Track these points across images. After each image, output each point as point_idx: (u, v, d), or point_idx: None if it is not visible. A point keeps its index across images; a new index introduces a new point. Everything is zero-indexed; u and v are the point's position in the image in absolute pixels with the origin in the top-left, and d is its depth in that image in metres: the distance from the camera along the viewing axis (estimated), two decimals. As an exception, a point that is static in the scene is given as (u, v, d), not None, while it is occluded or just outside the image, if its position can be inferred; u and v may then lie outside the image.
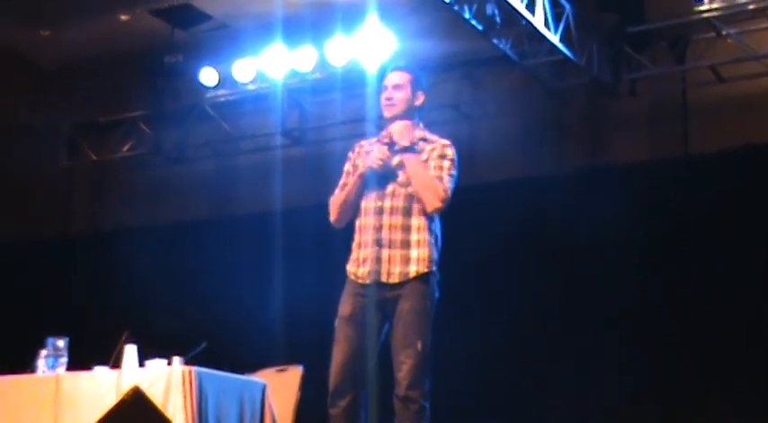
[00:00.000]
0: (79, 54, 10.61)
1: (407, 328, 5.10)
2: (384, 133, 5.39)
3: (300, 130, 10.67)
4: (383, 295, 5.17)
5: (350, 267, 5.30)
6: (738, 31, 8.76)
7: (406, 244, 5.19)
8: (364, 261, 5.22)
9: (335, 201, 5.37)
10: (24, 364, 5.53)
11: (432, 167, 5.25)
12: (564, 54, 8.73)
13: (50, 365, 5.43)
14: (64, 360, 5.47)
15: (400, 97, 5.34)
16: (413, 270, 5.16)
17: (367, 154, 5.35)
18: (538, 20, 8.28)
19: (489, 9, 8.31)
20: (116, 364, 5.26)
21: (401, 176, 5.25)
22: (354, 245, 5.32)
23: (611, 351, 8.53)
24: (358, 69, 9.45)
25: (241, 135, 10.86)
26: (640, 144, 9.22)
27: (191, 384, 5.01)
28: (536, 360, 8.78)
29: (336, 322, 5.24)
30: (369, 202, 5.27)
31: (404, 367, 5.05)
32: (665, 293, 8.61)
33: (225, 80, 10.21)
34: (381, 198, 5.24)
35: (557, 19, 8.57)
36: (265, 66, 9.91)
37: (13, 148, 11.33)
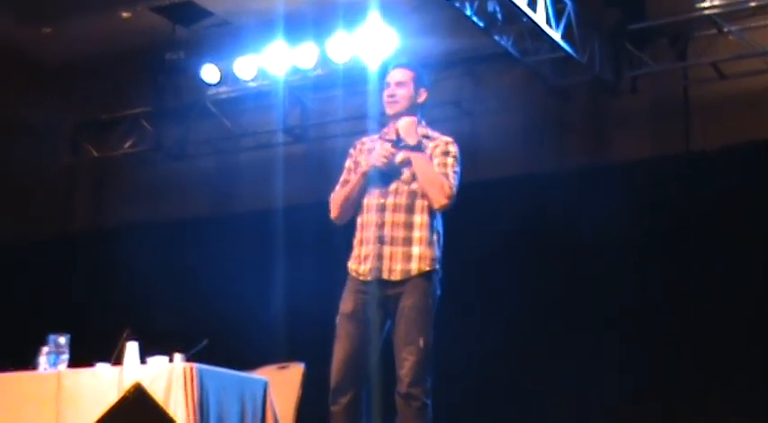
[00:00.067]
0: (80, 51, 10.60)
1: (409, 326, 5.10)
2: (387, 130, 5.39)
3: (302, 127, 10.66)
4: (385, 292, 5.16)
5: (351, 264, 5.29)
6: (740, 27, 8.75)
7: (408, 241, 5.18)
8: (366, 258, 5.21)
9: (336, 198, 5.37)
10: (26, 361, 5.54)
11: (435, 165, 5.25)
12: (565, 51, 8.72)
13: (52, 362, 5.44)
14: (65, 357, 5.48)
15: (403, 94, 5.33)
16: (414, 267, 5.16)
17: (369, 151, 5.35)
18: (539, 17, 8.27)
19: (491, 6, 8.30)
20: (117, 360, 5.27)
21: (404, 173, 5.24)
22: (356, 242, 5.31)
23: (612, 349, 8.53)
24: (359, 66, 9.44)
25: (242, 132, 10.86)
26: (642, 141, 9.21)
27: (192, 381, 5.01)
28: (536, 358, 8.77)
29: (338, 319, 5.24)
30: (371, 199, 5.26)
31: (406, 364, 5.05)
32: (666, 292, 8.60)
33: (226, 77, 10.20)
34: (384, 195, 5.24)
35: (558, 16, 8.57)
36: (267, 63, 9.91)
37: (13, 147, 11.32)
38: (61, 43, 10.50)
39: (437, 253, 5.24)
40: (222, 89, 10.43)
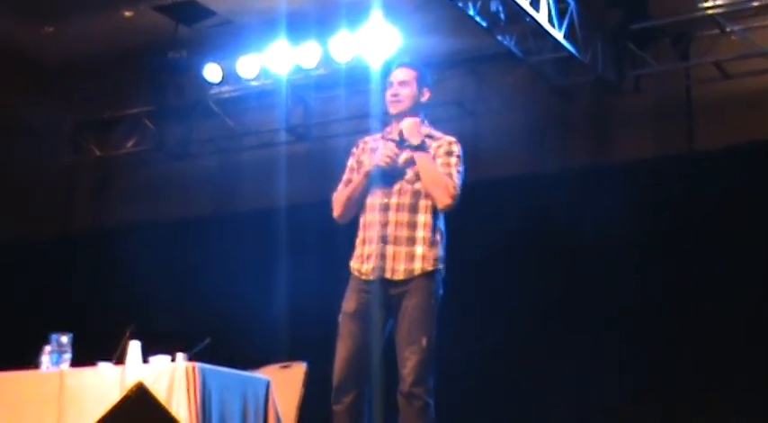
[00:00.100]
0: (82, 50, 10.60)
1: (412, 325, 5.10)
2: (389, 129, 5.39)
3: (304, 126, 10.67)
4: (387, 292, 5.16)
5: (353, 264, 5.29)
6: (742, 27, 8.75)
7: (411, 241, 5.18)
8: (369, 257, 5.21)
9: (339, 197, 5.37)
10: (26, 361, 5.54)
11: (439, 164, 5.25)
12: (568, 51, 8.72)
13: (54, 361, 5.44)
14: (68, 356, 5.48)
15: (406, 94, 5.33)
16: (418, 267, 5.16)
17: (372, 150, 5.35)
18: (542, 17, 8.27)
19: (494, 6, 8.31)
20: (120, 360, 5.27)
21: (408, 173, 5.24)
22: (358, 241, 5.31)
23: (612, 349, 8.52)
24: (362, 66, 9.44)
25: (245, 131, 10.86)
26: (645, 141, 9.21)
27: (194, 380, 5.01)
28: (536, 358, 8.76)
29: (340, 318, 5.24)
30: (374, 199, 5.26)
31: (408, 364, 5.05)
32: (666, 292, 8.59)
33: (229, 76, 10.20)
34: (388, 195, 5.24)
35: (561, 16, 8.57)
36: (269, 62, 9.91)
37: (14, 146, 11.32)
38: (62, 42, 10.50)
39: (441, 252, 5.24)
40: (225, 88, 10.43)
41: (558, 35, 8.52)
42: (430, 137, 5.33)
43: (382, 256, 5.18)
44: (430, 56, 8.95)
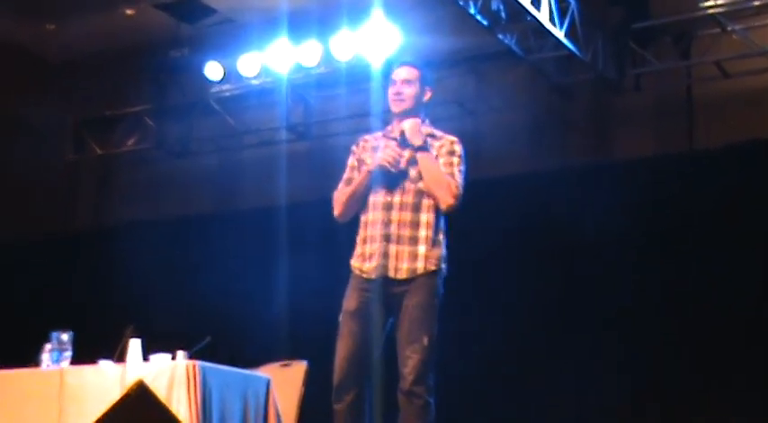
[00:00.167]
0: (84, 48, 10.61)
1: (413, 324, 5.10)
2: (390, 128, 5.39)
3: (305, 124, 10.66)
4: (390, 290, 5.17)
5: (354, 262, 5.30)
6: (743, 26, 8.75)
7: (414, 240, 5.19)
8: (371, 256, 5.21)
9: (340, 196, 5.37)
10: (27, 361, 5.54)
11: (441, 164, 5.25)
12: (569, 49, 8.72)
13: (55, 359, 5.44)
14: (68, 354, 5.47)
15: (409, 93, 5.33)
16: (421, 266, 5.16)
17: (373, 149, 5.35)
18: (543, 15, 8.27)
19: (494, 4, 8.31)
20: (120, 358, 5.27)
21: (411, 172, 5.24)
22: (359, 240, 5.31)
23: (610, 349, 8.51)
24: (363, 64, 9.43)
25: (245, 129, 10.86)
26: (645, 139, 9.21)
27: (195, 379, 5.01)
28: (535, 358, 8.75)
29: (341, 317, 5.24)
30: (377, 198, 5.26)
31: (410, 363, 5.06)
32: (665, 292, 8.59)
33: (230, 74, 10.19)
34: (390, 193, 5.24)
35: (562, 14, 8.57)
36: (270, 60, 9.91)
37: (15, 145, 11.31)
38: (64, 40, 10.51)
39: (443, 252, 5.25)
40: (225, 86, 10.42)
41: (559, 34, 8.52)
42: (431, 136, 5.34)
43: (385, 255, 5.18)
44: (430, 54, 8.94)
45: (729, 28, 8.75)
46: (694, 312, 8.39)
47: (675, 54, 9.18)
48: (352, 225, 5.38)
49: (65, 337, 5.49)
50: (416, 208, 5.22)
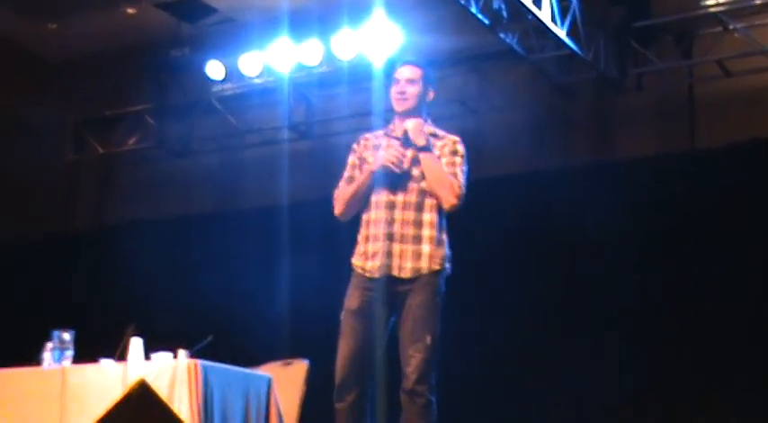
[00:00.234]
0: (85, 48, 10.61)
1: (417, 323, 5.10)
2: (392, 127, 5.38)
3: (307, 123, 10.66)
4: (393, 289, 5.16)
5: (356, 261, 5.29)
6: (745, 25, 8.75)
7: (417, 239, 5.19)
8: (374, 255, 5.20)
9: (342, 194, 5.36)
10: (29, 359, 5.54)
11: (444, 164, 5.25)
12: (571, 49, 8.71)
13: (56, 358, 5.44)
14: (70, 353, 5.47)
15: (413, 92, 5.33)
16: (425, 266, 5.16)
17: (374, 147, 5.35)
18: (544, 14, 8.27)
19: (496, 3, 8.30)
20: (122, 357, 5.27)
21: (414, 172, 5.24)
22: (361, 238, 5.31)
23: (612, 349, 8.51)
24: (364, 63, 9.43)
25: (247, 129, 10.86)
26: (647, 139, 9.21)
27: (196, 377, 5.01)
28: (536, 358, 8.75)
29: (342, 316, 5.24)
30: (380, 196, 5.25)
31: (412, 361, 5.06)
32: (666, 291, 8.58)
33: (231, 74, 10.19)
34: (394, 192, 5.23)
35: (563, 13, 8.56)
36: (272, 59, 9.90)
37: (15, 145, 11.31)
38: (65, 40, 10.52)
39: (447, 251, 5.25)
40: (227, 86, 10.41)
41: (561, 33, 8.51)
42: (434, 135, 5.33)
43: (389, 254, 5.18)
44: (432, 53, 8.93)
45: (731, 26, 8.75)
46: (696, 312, 8.39)
47: (677, 53, 9.18)
48: (353, 224, 5.37)
49: (66, 335, 5.49)
50: (419, 207, 5.21)
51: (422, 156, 5.24)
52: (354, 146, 5.48)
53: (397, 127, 5.35)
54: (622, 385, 8.41)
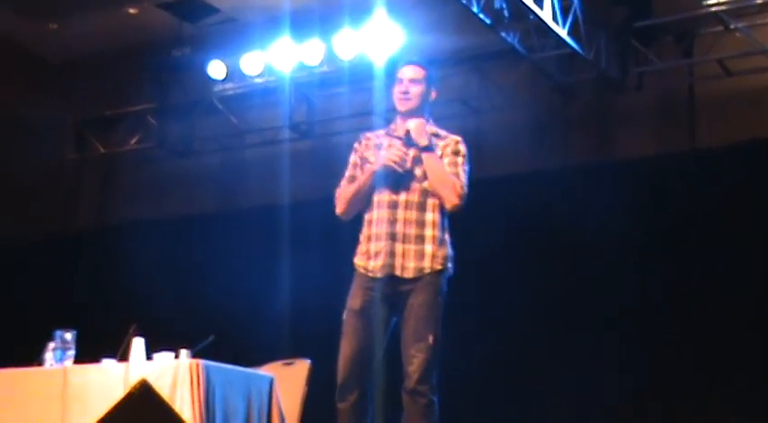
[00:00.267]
0: (86, 47, 10.62)
1: (419, 323, 5.10)
2: (394, 126, 5.39)
3: (308, 123, 10.67)
4: (395, 289, 5.16)
5: (358, 260, 5.29)
6: (746, 24, 8.75)
7: (420, 239, 5.18)
8: (377, 254, 5.20)
9: (343, 194, 5.36)
10: (31, 359, 5.54)
11: (446, 164, 5.25)
12: (571, 48, 8.72)
13: (58, 358, 5.44)
14: (71, 353, 5.47)
15: (416, 92, 5.33)
16: (427, 266, 5.16)
17: (376, 147, 5.35)
18: (546, 14, 8.27)
19: (497, 3, 8.32)
20: (124, 356, 5.27)
21: (416, 171, 5.24)
22: (363, 238, 5.30)
23: (612, 349, 8.51)
24: (366, 63, 9.44)
25: (248, 128, 10.86)
26: (647, 138, 9.21)
27: (198, 377, 5.01)
28: (536, 358, 8.75)
29: (345, 315, 5.23)
30: (382, 196, 5.25)
31: (415, 361, 5.06)
32: (666, 291, 8.59)
33: (232, 73, 10.19)
34: (396, 192, 5.23)
35: (564, 13, 8.57)
36: (273, 59, 9.91)
37: (16, 144, 11.31)
38: (66, 39, 10.52)
39: (449, 251, 5.25)
40: (228, 85, 10.42)
41: (562, 32, 8.52)
42: (436, 135, 5.33)
43: (391, 254, 5.17)
44: (433, 53, 8.92)
45: (732, 26, 8.75)
46: (696, 312, 8.39)
47: (678, 52, 9.19)
48: (355, 223, 5.37)
49: (68, 335, 5.48)
50: (422, 207, 5.22)
51: (424, 156, 5.24)
52: (356, 145, 5.48)
53: (399, 126, 5.35)
54: (622, 385, 8.41)
